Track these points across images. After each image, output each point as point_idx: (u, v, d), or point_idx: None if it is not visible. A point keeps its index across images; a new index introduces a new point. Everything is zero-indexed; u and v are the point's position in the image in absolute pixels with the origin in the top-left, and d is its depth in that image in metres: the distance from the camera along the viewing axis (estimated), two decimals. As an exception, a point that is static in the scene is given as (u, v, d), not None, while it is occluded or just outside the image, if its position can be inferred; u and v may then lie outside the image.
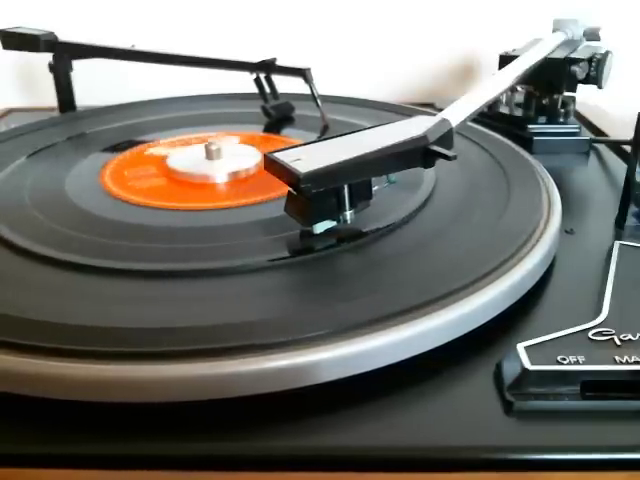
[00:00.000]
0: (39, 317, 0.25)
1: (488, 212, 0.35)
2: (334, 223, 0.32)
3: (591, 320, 0.27)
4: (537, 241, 0.31)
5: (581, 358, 0.24)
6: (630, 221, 0.37)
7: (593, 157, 0.50)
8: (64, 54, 0.57)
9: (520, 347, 0.24)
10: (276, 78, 0.55)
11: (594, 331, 0.26)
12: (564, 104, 0.53)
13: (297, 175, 0.29)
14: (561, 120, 0.52)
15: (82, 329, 0.25)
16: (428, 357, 0.25)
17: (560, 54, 0.50)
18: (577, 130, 0.52)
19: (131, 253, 0.31)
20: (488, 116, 0.54)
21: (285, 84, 0.55)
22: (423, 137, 0.32)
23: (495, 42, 0.60)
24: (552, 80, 0.50)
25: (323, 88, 0.53)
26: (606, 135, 0.54)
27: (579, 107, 0.56)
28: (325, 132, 0.51)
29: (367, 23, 0.69)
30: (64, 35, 0.57)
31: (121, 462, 0.22)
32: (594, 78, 0.50)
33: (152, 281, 0.29)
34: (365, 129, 0.35)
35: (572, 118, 0.53)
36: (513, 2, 0.68)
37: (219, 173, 0.42)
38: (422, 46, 0.70)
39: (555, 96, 0.52)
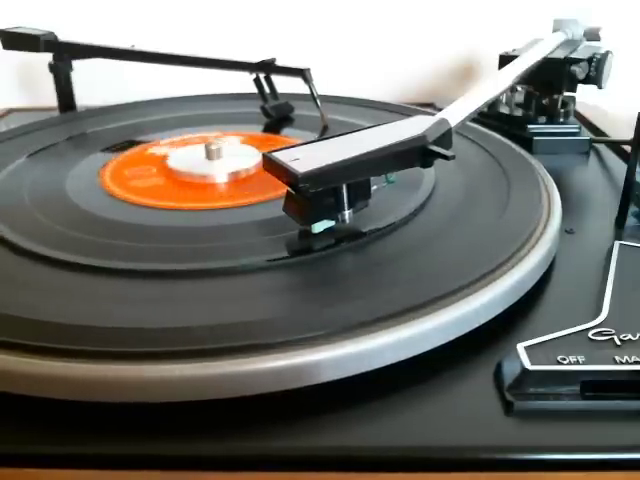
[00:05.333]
0: (39, 317, 0.25)
1: (488, 212, 0.35)
2: (333, 223, 0.32)
3: (591, 320, 0.27)
4: (537, 241, 0.31)
5: (581, 358, 0.24)
6: (630, 221, 0.37)
7: (593, 157, 0.50)
8: (64, 54, 0.57)
9: (520, 347, 0.24)
10: (276, 78, 0.55)
11: (594, 331, 0.26)
12: (564, 104, 0.53)
13: (295, 175, 0.29)
14: (561, 120, 0.52)
15: (82, 329, 0.25)
16: (428, 357, 0.25)
17: (560, 54, 0.50)
18: (577, 130, 0.52)
19: (131, 253, 0.31)
20: (488, 116, 0.54)
21: (285, 84, 0.55)
22: (422, 137, 0.32)
23: (495, 42, 0.60)
24: (552, 80, 0.50)
25: (323, 88, 0.53)
26: (606, 135, 0.54)
27: (579, 107, 0.56)
28: (325, 132, 0.51)
29: (367, 23, 0.69)
30: (64, 35, 0.57)
31: (121, 462, 0.22)
32: (594, 78, 0.50)
33: (151, 281, 0.29)
34: (364, 129, 0.35)
35: (572, 118, 0.53)
36: (513, 2, 0.68)
37: (219, 173, 0.42)
38: (422, 46, 0.70)
39: (555, 96, 0.52)
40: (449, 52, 0.70)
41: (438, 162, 0.33)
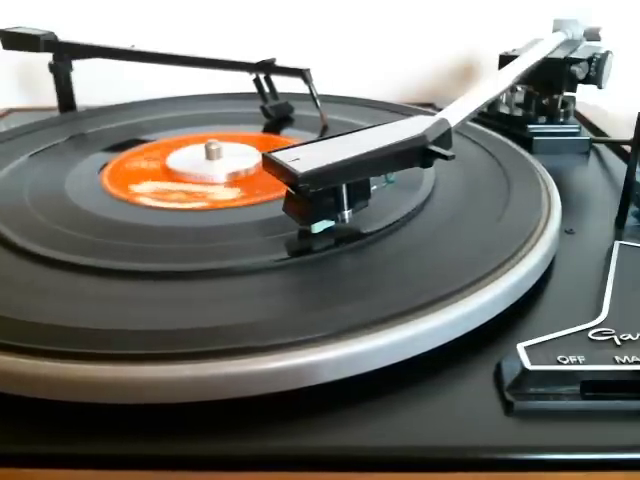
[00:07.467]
0: (39, 318, 0.25)
1: (488, 212, 0.35)
2: (332, 223, 0.32)
3: (591, 320, 0.27)
4: (537, 241, 0.31)
5: (581, 358, 0.24)
6: (630, 221, 0.37)
7: (593, 157, 0.50)
8: (64, 54, 0.57)
9: (520, 347, 0.24)
10: (276, 78, 0.55)
11: (594, 331, 0.26)
12: (564, 104, 0.53)
13: (295, 175, 0.29)
14: (561, 120, 0.52)
15: (81, 330, 0.24)
16: (428, 357, 0.25)
17: (560, 54, 0.50)
18: (577, 130, 0.52)
19: (131, 253, 0.31)
20: (488, 116, 0.54)
21: (285, 84, 0.55)
22: (421, 137, 0.32)
23: (495, 42, 0.60)
24: (552, 80, 0.50)
25: (323, 88, 0.53)
26: (606, 135, 0.54)
27: (579, 107, 0.56)
28: (324, 132, 0.51)
29: (367, 23, 0.69)
30: (64, 35, 0.57)
31: (121, 462, 0.22)
32: (594, 78, 0.50)
33: (151, 282, 0.29)
34: (364, 129, 0.35)
35: (572, 118, 0.53)
36: (513, 2, 0.68)
37: (219, 173, 0.42)
38: (422, 46, 0.70)
39: (555, 96, 0.52)
40: (449, 52, 0.70)
41: (438, 162, 0.33)
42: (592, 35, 0.56)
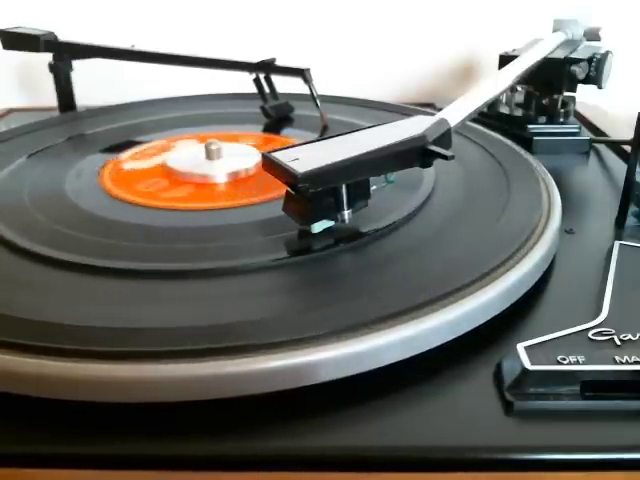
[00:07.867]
0: (39, 317, 0.25)
1: (488, 212, 0.35)
2: (332, 223, 0.32)
3: (591, 320, 0.27)
4: (537, 241, 0.31)
5: (581, 358, 0.24)
6: (630, 221, 0.37)
7: (593, 157, 0.50)
8: (64, 54, 0.57)
9: (520, 347, 0.24)
10: (276, 78, 0.55)
11: (594, 331, 0.26)
12: (564, 104, 0.53)
13: (295, 175, 0.29)
14: (561, 120, 0.52)
15: (81, 329, 0.25)
16: (428, 357, 0.25)
17: (560, 54, 0.50)
18: (577, 130, 0.52)
19: (131, 253, 0.31)
20: (488, 116, 0.54)
21: (285, 84, 0.55)
22: (421, 137, 0.32)
23: (495, 42, 0.60)
24: (552, 80, 0.50)
25: (323, 88, 0.53)
26: (606, 135, 0.54)
27: (579, 107, 0.56)
28: (324, 132, 0.51)
29: (367, 23, 0.69)
30: (64, 35, 0.57)
31: (121, 462, 0.22)
32: (594, 78, 0.50)
33: (151, 281, 0.29)
34: (364, 129, 0.35)
35: (572, 118, 0.53)
36: (513, 2, 0.68)
37: (219, 173, 0.42)
38: (422, 46, 0.70)
39: (555, 96, 0.52)
40: (449, 52, 0.70)
41: (438, 162, 0.33)
42: (592, 35, 0.56)
